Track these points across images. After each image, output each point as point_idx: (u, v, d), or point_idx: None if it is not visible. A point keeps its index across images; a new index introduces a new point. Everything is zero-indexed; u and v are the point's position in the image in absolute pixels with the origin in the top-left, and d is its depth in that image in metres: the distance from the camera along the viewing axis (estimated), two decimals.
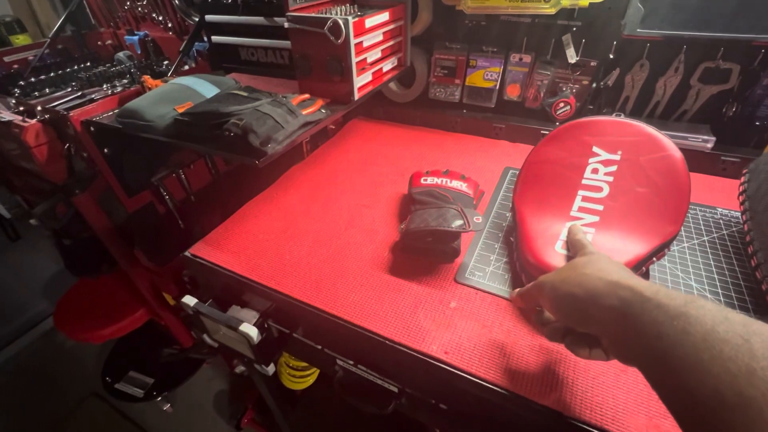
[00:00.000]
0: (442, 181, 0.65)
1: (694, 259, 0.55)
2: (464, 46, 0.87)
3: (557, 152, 0.56)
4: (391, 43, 0.81)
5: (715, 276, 0.52)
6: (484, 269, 0.56)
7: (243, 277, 0.57)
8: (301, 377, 0.92)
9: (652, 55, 0.73)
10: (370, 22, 0.70)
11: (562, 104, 0.82)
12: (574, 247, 0.45)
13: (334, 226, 0.66)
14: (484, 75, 0.87)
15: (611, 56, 0.75)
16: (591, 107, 0.83)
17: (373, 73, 0.78)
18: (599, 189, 0.51)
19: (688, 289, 0.51)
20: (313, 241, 0.63)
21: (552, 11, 0.68)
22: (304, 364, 0.99)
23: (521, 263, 0.51)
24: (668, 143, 0.49)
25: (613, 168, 0.51)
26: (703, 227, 0.61)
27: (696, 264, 0.55)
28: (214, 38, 0.91)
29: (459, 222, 0.52)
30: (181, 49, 0.98)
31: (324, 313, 0.52)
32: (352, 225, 0.66)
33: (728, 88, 0.70)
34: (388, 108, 1.00)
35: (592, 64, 0.78)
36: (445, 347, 0.46)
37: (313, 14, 0.69)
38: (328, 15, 0.66)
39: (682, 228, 0.60)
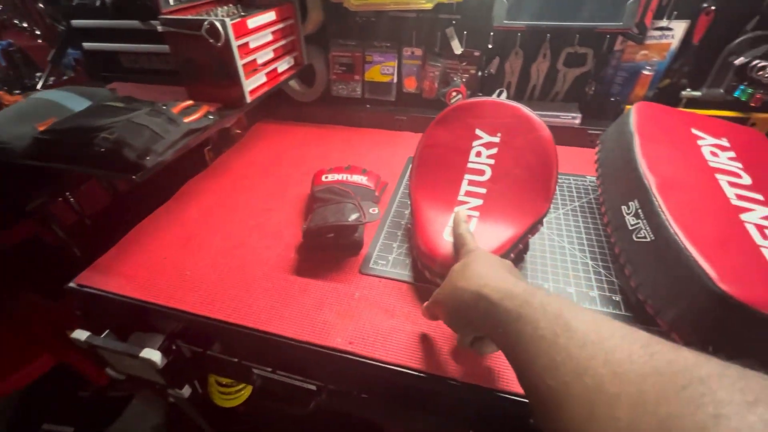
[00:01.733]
0: (343, 177, 0.66)
1: (567, 223, 0.63)
2: (359, 42, 0.89)
3: (445, 135, 0.59)
4: (283, 42, 0.80)
5: (584, 236, 0.60)
6: (387, 257, 0.58)
7: (140, 301, 0.54)
8: (232, 394, 0.88)
9: (524, 44, 0.80)
10: (253, 22, 0.69)
11: (454, 93, 0.87)
12: (456, 242, 0.47)
13: (238, 234, 0.64)
14: (381, 69, 0.89)
15: (490, 46, 0.81)
16: (480, 94, 0.89)
17: (268, 74, 0.77)
18: (482, 172, 0.55)
19: (561, 250, 0.58)
20: (216, 252, 0.61)
21: (429, 6, 0.72)
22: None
23: (415, 251, 0.54)
24: (539, 123, 0.54)
25: (494, 150, 0.55)
26: (575, 194, 0.69)
27: (569, 228, 0.62)
28: (86, 45, 0.83)
29: (355, 215, 0.54)
30: (49, 58, 0.88)
31: (231, 325, 0.50)
32: (257, 231, 0.65)
33: (587, 70, 0.80)
34: (293, 108, 0.99)
35: (476, 54, 0.84)
36: (350, 338, 0.48)
37: (189, 17, 0.66)
38: (205, 17, 0.64)
39: (559, 195, 0.68)
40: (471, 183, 0.55)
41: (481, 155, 0.55)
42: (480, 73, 0.86)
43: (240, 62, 0.66)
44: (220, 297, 0.53)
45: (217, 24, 0.60)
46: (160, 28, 0.64)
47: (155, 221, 0.68)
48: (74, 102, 0.62)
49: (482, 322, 0.33)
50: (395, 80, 0.90)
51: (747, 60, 0.68)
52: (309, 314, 0.51)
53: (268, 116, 1.01)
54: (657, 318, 0.42)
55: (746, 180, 0.48)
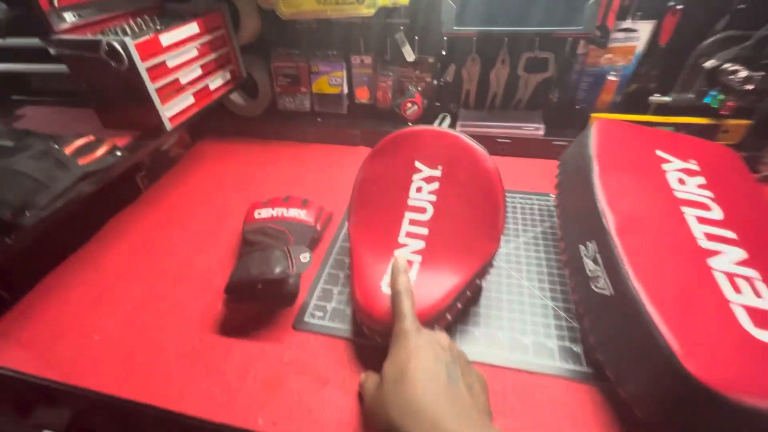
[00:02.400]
0: (278, 212, 0.59)
1: (528, 254, 0.57)
2: (302, 51, 0.80)
3: (383, 168, 0.52)
4: (213, 56, 0.71)
5: (545, 270, 0.54)
6: (325, 307, 0.51)
7: (36, 378, 0.46)
8: None
9: (480, 49, 0.73)
10: (169, 38, 0.60)
11: (409, 104, 0.80)
12: (393, 305, 0.40)
13: (161, 283, 0.57)
14: (329, 80, 0.81)
15: (444, 52, 0.74)
16: (438, 103, 0.82)
17: (197, 93, 0.69)
18: (424, 210, 0.48)
19: (519, 289, 0.52)
20: (132, 308, 0.53)
21: (370, 12, 0.64)
22: None
23: (353, 304, 0.47)
24: (482, 154, 0.48)
25: (436, 185, 0.49)
26: (538, 217, 0.63)
27: (529, 260, 0.56)
28: None
29: (281, 266, 0.47)
30: None
31: (138, 405, 0.43)
32: (183, 278, 0.57)
33: (549, 76, 0.73)
34: (238, 123, 0.90)
35: (430, 60, 0.77)
36: (274, 417, 0.41)
37: (88, 36, 0.57)
38: (106, 36, 0.55)
39: (520, 219, 0.63)
40: (412, 222, 0.48)
41: (422, 191, 0.49)
42: (436, 82, 0.79)
43: (152, 86, 0.57)
44: (130, 369, 0.46)
45: (117, 45, 0.52)
46: (52, 51, 0.55)
47: (68, 269, 0.60)
48: None
49: None
50: (345, 91, 0.82)
51: (718, 63, 0.62)
52: (230, 386, 0.44)
53: (212, 132, 0.93)
54: (617, 388, 0.37)
55: (716, 214, 0.42)
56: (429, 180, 0.50)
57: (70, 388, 0.45)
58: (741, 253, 0.39)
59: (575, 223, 0.47)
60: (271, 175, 0.78)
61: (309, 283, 0.55)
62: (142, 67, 0.55)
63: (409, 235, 0.48)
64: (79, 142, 0.51)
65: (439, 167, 0.50)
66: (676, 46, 0.65)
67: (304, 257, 0.49)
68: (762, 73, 0.58)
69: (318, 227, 0.59)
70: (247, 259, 0.50)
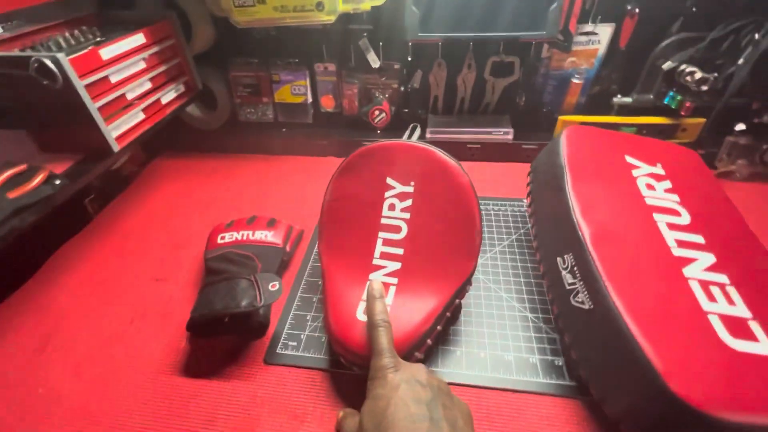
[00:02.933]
0: (243, 235, 0.55)
1: (504, 264, 0.56)
2: (261, 60, 0.76)
3: (353, 186, 0.50)
4: (164, 68, 0.66)
5: (522, 281, 0.53)
6: (299, 336, 0.48)
7: None
8: None
9: (446, 54, 0.72)
10: (110, 51, 0.55)
11: (377, 112, 0.78)
12: (369, 336, 0.38)
13: (116, 319, 0.52)
14: (292, 89, 0.78)
15: (410, 58, 0.72)
16: (406, 110, 0.80)
17: (147, 109, 0.64)
18: (398, 229, 0.46)
19: (498, 301, 0.51)
20: (83, 353, 0.48)
21: (330, 19, 0.61)
22: None
23: (328, 334, 0.45)
24: (455, 168, 0.46)
25: (409, 202, 0.47)
26: (512, 224, 0.62)
27: (506, 271, 0.55)
28: None
29: (248, 298, 0.44)
30: None
31: None
32: (141, 312, 0.53)
33: (515, 80, 0.73)
34: (196, 137, 0.85)
35: (396, 66, 0.75)
36: None
37: (16, 51, 0.51)
38: (36, 51, 0.49)
39: (494, 227, 0.62)
40: (386, 243, 0.46)
41: (395, 208, 0.47)
42: (403, 88, 0.77)
43: (93, 105, 0.52)
44: (82, 426, 0.41)
45: (48, 62, 0.46)
46: None
47: (5, 313, 0.54)
48: None
49: None
50: (310, 100, 0.79)
51: (674, 65, 0.63)
52: None
53: (169, 148, 0.87)
54: (602, 406, 0.36)
55: (684, 218, 0.43)
56: (402, 197, 0.47)
57: None
58: (710, 258, 0.39)
59: (551, 234, 0.46)
60: (234, 193, 0.74)
61: (280, 311, 0.51)
62: (80, 84, 0.50)
63: (383, 256, 0.46)
64: (11, 171, 0.45)
65: (412, 183, 0.47)
66: (635, 49, 0.66)
67: (273, 286, 0.46)
68: (715, 74, 0.60)
69: (287, 248, 0.56)
70: (210, 291, 0.46)
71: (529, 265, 0.56)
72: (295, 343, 0.48)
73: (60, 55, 0.47)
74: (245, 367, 0.46)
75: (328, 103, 0.80)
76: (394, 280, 0.44)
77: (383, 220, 0.47)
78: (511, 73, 0.73)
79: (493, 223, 0.63)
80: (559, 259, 0.43)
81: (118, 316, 0.52)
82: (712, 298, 0.36)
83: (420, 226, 0.46)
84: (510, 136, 0.74)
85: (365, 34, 0.70)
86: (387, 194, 0.48)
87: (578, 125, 0.52)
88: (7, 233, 0.43)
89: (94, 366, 0.47)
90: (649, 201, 0.44)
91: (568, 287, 0.41)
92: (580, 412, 0.40)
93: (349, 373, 0.44)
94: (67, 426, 0.41)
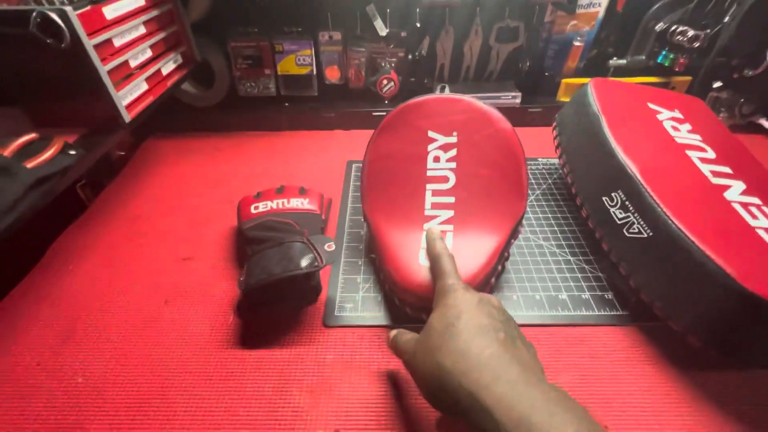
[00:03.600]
0: (277, 203, 0.52)
1: (536, 216, 0.58)
2: (263, 29, 0.73)
3: (394, 144, 0.49)
4: (163, 35, 0.61)
5: (556, 229, 0.56)
6: (353, 297, 0.47)
7: None
8: None
9: (453, 20, 0.72)
10: (112, 10, 0.50)
11: (385, 81, 0.77)
12: (433, 268, 0.38)
13: (147, 302, 0.48)
14: (296, 60, 0.75)
15: (417, 25, 0.72)
16: (412, 79, 0.80)
17: (149, 79, 0.59)
18: (446, 179, 0.46)
19: (540, 249, 0.53)
20: (118, 339, 0.44)
21: None
22: None
23: (390, 285, 0.44)
24: (497, 115, 0.47)
25: (453, 152, 0.47)
26: (533, 181, 0.65)
27: (539, 221, 0.57)
28: None
29: (308, 258, 0.42)
30: None
31: None
32: (175, 293, 0.49)
33: (519, 45, 0.75)
34: (191, 116, 0.79)
35: (403, 34, 0.74)
36: (336, 424, 0.37)
37: (4, 6, 0.45)
38: (32, 6, 0.44)
39: None
40: (435, 193, 0.46)
41: (440, 160, 0.47)
42: (410, 56, 0.77)
43: (103, 68, 0.47)
44: (139, 409, 0.38)
45: (54, 15, 0.41)
46: None
47: (18, 303, 0.48)
48: None
49: (467, 423, 0.26)
50: (315, 71, 0.77)
51: (666, 25, 0.68)
52: (271, 402, 0.38)
53: (161, 129, 0.81)
54: (668, 322, 0.39)
55: (710, 154, 0.47)
56: (445, 148, 0.48)
57: None
58: (741, 184, 0.43)
59: (592, 177, 0.48)
60: (243, 170, 0.70)
61: (327, 276, 0.50)
62: (89, 44, 0.45)
63: (435, 206, 0.46)
64: (22, 140, 0.40)
65: (455, 133, 0.48)
66: (631, 11, 0.70)
67: (329, 246, 0.44)
68: (707, 31, 0.65)
69: (323, 216, 0.55)
70: (261, 258, 0.44)
71: (559, 215, 0.58)
72: (351, 305, 0.47)
73: (68, 9, 0.42)
74: (305, 332, 0.44)
75: (333, 74, 0.78)
76: (450, 227, 0.44)
77: (429, 173, 0.47)
78: (515, 39, 0.75)
79: None
80: (605, 198, 0.45)
81: (148, 298, 0.48)
82: (754, 216, 0.39)
83: (467, 173, 0.46)
84: (518, 100, 0.76)
85: (372, 1, 0.69)
86: (430, 147, 0.48)
87: (599, 78, 0.55)
88: (27, 209, 0.38)
89: (136, 349, 0.43)
90: (678, 140, 0.48)
91: (619, 222, 0.43)
92: (637, 336, 0.43)
93: (418, 326, 0.44)
94: (122, 412, 0.38)
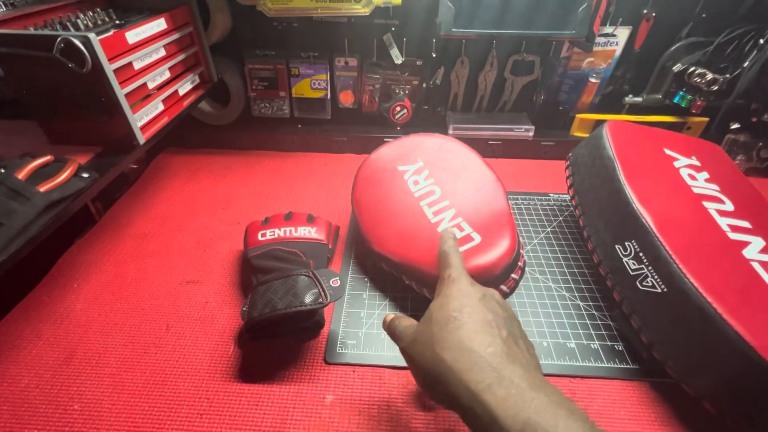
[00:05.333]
0: (285, 231, 0.52)
1: (545, 255, 0.57)
2: (280, 52, 0.74)
3: (376, 191, 0.54)
4: (182, 57, 0.62)
5: (566, 270, 0.55)
6: (356, 334, 0.47)
7: None
8: None
9: (469, 52, 0.73)
10: (135, 34, 0.51)
11: (398, 108, 0.77)
12: (441, 261, 0.36)
13: (148, 326, 0.47)
14: (311, 84, 0.75)
15: (434, 55, 0.73)
16: (425, 107, 0.81)
17: (166, 100, 0.59)
18: (433, 192, 0.51)
19: (549, 292, 0.52)
20: (117, 364, 0.44)
21: (366, 11, 0.60)
22: None
23: (407, 268, 0.47)
24: (441, 137, 0.58)
25: (426, 173, 0.53)
26: (544, 217, 0.64)
27: (548, 261, 0.56)
28: None
29: (312, 294, 0.42)
30: None
31: None
32: (177, 318, 0.49)
33: (534, 78, 0.75)
34: (205, 133, 0.80)
35: (418, 63, 0.75)
36: None
37: (30, 30, 0.46)
38: (56, 32, 0.44)
39: (528, 222, 0.63)
40: (431, 204, 0.50)
41: (419, 183, 0.53)
42: (425, 85, 0.77)
43: (121, 92, 0.48)
44: None
45: (77, 42, 0.42)
46: None
47: (16, 323, 0.48)
48: None
49: (463, 416, 0.25)
50: (328, 95, 0.77)
51: (684, 66, 0.68)
52: None
53: (174, 144, 0.82)
54: (682, 383, 0.37)
55: (729, 205, 0.46)
56: (418, 172, 0.54)
57: None
58: (761, 241, 0.42)
59: (605, 224, 0.47)
60: (253, 191, 0.70)
61: (332, 309, 0.49)
62: (109, 68, 0.45)
63: (436, 213, 0.49)
64: (36, 162, 0.40)
65: (419, 159, 0.55)
66: (647, 51, 0.70)
67: (335, 282, 0.44)
68: (726, 75, 0.64)
69: (330, 245, 0.54)
70: (266, 289, 0.43)
71: (569, 255, 0.57)
72: (354, 341, 0.46)
73: (91, 35, 0.42)
74: (306, 368, 0.43)
75: (347, 99, 0.78)
76: (459, 220, 0.47)
77: (417, 194, 0.52)
78: (530, 72, 0.75)
79: (526, 217, 0.64)
80: (618, 246, 0.44)
81: (150, 322, 0.48)
82: None
83: (446, 180, 0.52)
84: (531, 133, 0.76)
85: (393, 29, 0.69)
86: (406, 176, 0.54)
87: (615, 120, 0.54)
88: (41, 230, 0.38)
89: (134, 376, 0.42)
90: (695, 190, 0.47)
91: (632, 273, 0.42)
92: (649, 393, 0.41)
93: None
94: None
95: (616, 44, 0.69)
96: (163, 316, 0.49)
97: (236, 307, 0.50)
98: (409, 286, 0.49)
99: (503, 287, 0.42)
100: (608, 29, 0.67)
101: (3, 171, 0.38)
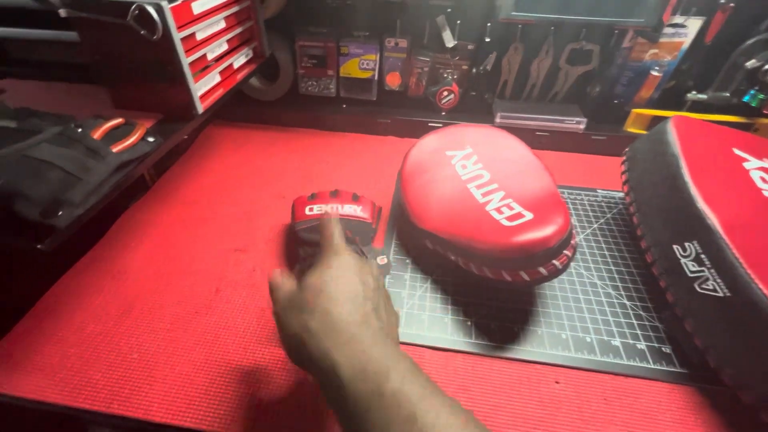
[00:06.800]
0: (331, 207, 0.53)
1: (591, 252, 0.56)
2: (332, 30, 0.73)
3: (424, 175, 0.54)
4: (239, 30, 0.63)
5: (612, 268, 0.53)
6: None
7: (69, 409, 0.39)
8: None
9: (524, 38, 0.70)
10: (200, 5, 0.52)
11: (446, 92, 0.76)
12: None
13: (200, 289, 0.50)
14: (360, 64, 0.75)
15: (487, 39, 0.71)
16: (473, 93, 0.79)
17: (222, 72, 0.61)
18: (481, 176, 0.51)
19: (593, 288, 0.51)
20: (171, 321, 0.46)
21: None
22: None
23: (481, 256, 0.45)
24: (493, 128, 0.59)
25: (475, 158, 0.53)
26: (591, 214, 0.62)
27: (594, 258, 0.55)
28: None
29: None
30: None
31: None
32: (225, 282, 0.51)
33: (591, 69, 0.72)
34: (251, 108, 0.82)
35: (470, 47, 0.73)
36: None
37: None
38: None
39: (575, 217, 0.61)
40: (479, 187, 0.50)
41: (467, 167, 0.53)
42: (474, 70, 0.75)
43: (186, 60, 0.49)
44: (188, 394, 0.40)
45: (151, 10, 0.43)
46: (63, 13, 0.45)
47: (81, 275, 0.51)
48: None
49: (328, 395, 0.28)
50: (376, 76, 0.77)
51: (760, 63, 0.63)
52: (307, 408, 0.39)
53: (221, 117, 0.84)
54: (739, 393, 0.36)
55: None
56: (467, 158, 0.54)
57: (118, 419, 0.38)
58: None
59: (664, 223, 0.45)
60: (296, 167, 0.72)
61: None
62: (177, 37, 0.47)
63: (485, 194, 0.48)
64: (109, 123, 0.42)
65: (468, 146, 0.55)
66: (720, 44, 0.66)
67: (382, 260, 0.44)
68: None
69: (373, 224, 0.55)
70: (312, 264, 0.44)
71: (616, 254, 0.55)
72: None
73: (164, 3, 0.44)
74: None
75: (393, 81, 0.78)
76: (508, 200, 0.46)
77: (464, 177, 0.51)
78: (587, 62, 0.72)
79: (572, 212, 0.62)
80: (676, 246, 0.43)
81: (201, 284, 0.50)
82: None
83: (496, 164, 0.52)
84: (582, 126, 0.73)
85: (449, 10, 0.68)
86: (453, 161, 0.54)
87: (681, 116, 0.52)
88: (111, 189, 0.40)
89: (186, 334, 0.45)
90: (766, 194, 0.44)
91: (691, 275, 0.41)
92: (695, 399, 0.40)
93: (459, 354, 0.43)
94: (172, 392, 0.39)
95: (685, 36, 0.65)
96: (212, 280, 0.51)
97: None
98: (451, 268, 0.49)
99: (556, 262, 0.40)
100: (678, 19, 0.64)
101: (80, 130, 0.40)
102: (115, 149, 0.41)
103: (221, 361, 0.42)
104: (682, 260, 0.42)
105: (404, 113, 0.79)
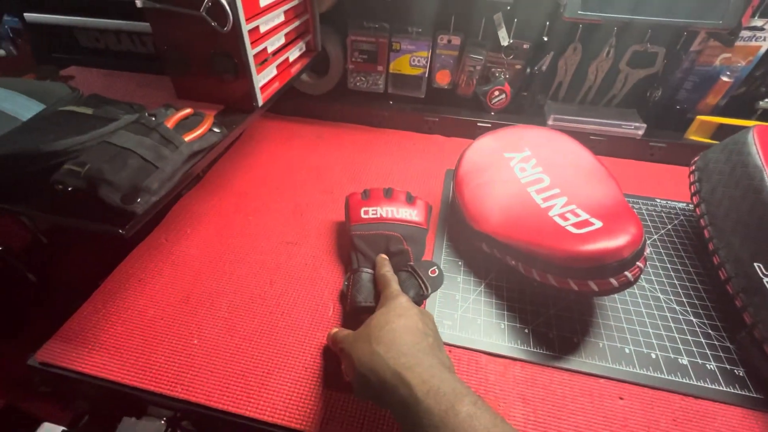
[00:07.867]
0: (387, 212, 0.52)
1: (653, 264, 0.53)
2: (384, 25, 0.73)
3: (481, 176, 0.53)
4: (296, 24, 0.63)
5: (676, 282, 0.51)
6: (452, 315, 0.47)
7: (133, 389, 0.40)
8: None
9: (584, 38, 0.68)
10: None
11: (497, 92, 0.74)
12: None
13: (254, 279, 0.50)
14: (411, 60, 0.74)
15: (545, 39, 0.69)
16: (524, 93, 0.77)
17: (279, 66, 0.61)
18: (541, 180, 0.49)
19: (657, 302, 0.48)
20: (228, 309, 0.47)
21: None
22: None
23: (547, 265, 0.43)
24: (556, 131, 0.57)
25: (534, 161, 0.52)
26: (650, 224, 0.60)
27: (656, 271, 0.52)
28: (29, 16, 0.62)
29: (413, 289, 0.43)
30: None
31: (266, 426, 0.38)
32: (279, 274, 0.51)
33: (654, 72, 0.69)
34: (299, 101, 0.82)
35: (525, 46, 0.71)
36: None
37: None
38: None
39: None
40: (539, 191, 0.48)
41: (526, 170, 0.51)
42: (528, 70, 0.73)
43: (251, 52, 0.50)
44: (245, 380, 0.40)
45: (224, 2, 0.44)
46: (140, 3, 0.46)
47: (141, 260, 0.53)
48: (17, 105, 0.44)
49: (395, 408, 0.30)
50: (426, 73, 0.76)
51: None
52: (366, 413, 0.39)
53: (268, 110, 0.84)
54: None
55: None
56: (525, 160, 0.53)
57: (173, 400, 0.39)
58: None
59: (743, 239, 0.43)
60: (344, 162, 0.71)
61: None
62: (245, 29, 0.47)
63: (546, 200, 0.47)
64: (180, 113, 0.43)
65: (526, 149, 0.54)
66: None
67: (433, 272, 0.44)
68: None
69: (427, 227, 0.54)
70: (367, 278, 0.45)
71: (679, 267, 0.53)
72: (449, 322, 0.46)
73: None
74: None
75: (443, 79, 0.76)
76: (572, 207, 0.45)
77: (524, 180, 0.50)
78: (650, 65, 0.69)
79: None
80: (758, 264, 0.40)
81: (255, 275, 0.51)
82: None
83: (557, 169, 0.50)
84: (640, 132, 0.70)
85: (509, 8, 0.66)
86: (512, 163, 0.53)
87: (765, 125, 0.49)
88: (182, 178, 0.41)
89: (243, 322, 0.46)
90: None
91: None
92: None
93: (518, 362, 0.42)
94: (229, 378, 0.40)
95: (764, 39, 0.61)
96: (266, 271, 0.51)
97: (333, 273, 0.51)
98: (509, 272, 0.48)
99: (628, 274, 0.38)
100: (757, 21, 0.60)
101: (154, 119, 0.41)
102: (186, 139, 0.41)
103: (280, 352, 0.43)
104: (765, 279, 0.39)
105: (452, 112, 0.78)
